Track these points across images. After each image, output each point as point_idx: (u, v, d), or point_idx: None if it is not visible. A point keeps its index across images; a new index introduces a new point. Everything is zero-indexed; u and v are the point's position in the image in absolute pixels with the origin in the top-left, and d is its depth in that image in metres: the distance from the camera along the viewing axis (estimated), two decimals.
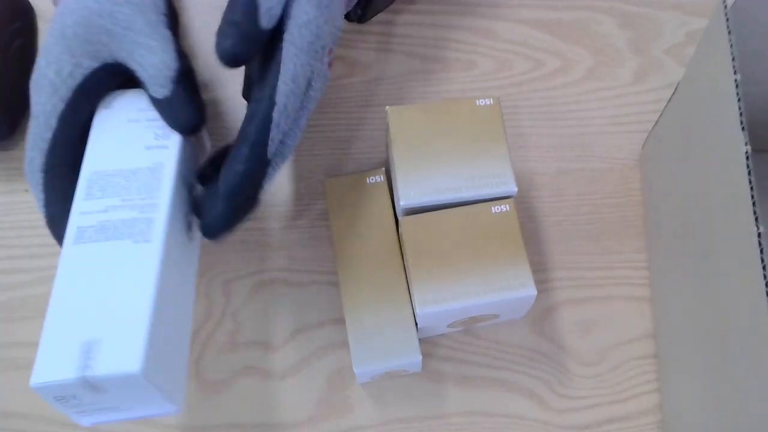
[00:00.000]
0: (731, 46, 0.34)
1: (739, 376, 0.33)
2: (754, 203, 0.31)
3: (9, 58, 0.48)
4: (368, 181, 0.45)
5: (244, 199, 0.38)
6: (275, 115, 0.36)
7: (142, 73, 0.38)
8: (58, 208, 0.38)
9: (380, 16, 0.54)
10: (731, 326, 0.34)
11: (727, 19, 0.34)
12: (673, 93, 0.43)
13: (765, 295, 0.29)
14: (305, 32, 0.37)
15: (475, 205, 0.41)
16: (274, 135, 0.36)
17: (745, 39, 0.35)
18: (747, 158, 0.31)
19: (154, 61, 0.38)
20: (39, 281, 0.47)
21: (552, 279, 0.47)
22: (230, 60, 0.36)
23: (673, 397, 0.42)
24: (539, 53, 0.53)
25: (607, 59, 0.53)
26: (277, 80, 0.36)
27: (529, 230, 0.48)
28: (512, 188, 0.41)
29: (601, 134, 0.51)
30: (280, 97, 0.36)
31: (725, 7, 0.35)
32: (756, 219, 0.31)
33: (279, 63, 0.36)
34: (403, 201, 0.41)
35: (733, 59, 0.33)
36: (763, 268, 0.30)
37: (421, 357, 0.40)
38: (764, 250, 0.30)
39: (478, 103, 0.43)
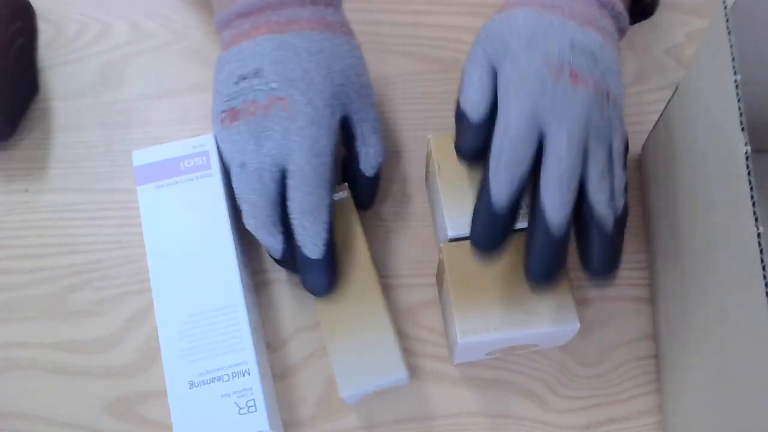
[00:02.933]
0: (731, 46, 0.34)
1: (739, 376, 0.33)
2: (754, 203, 0.31)
3: (9, 58, 0.48)
4: (333, 198, 0.43)
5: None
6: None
7: (360, 145, 0.43)
8: (334, 246, 0.41)
9: (379, 16, 0.54)
10: (731, 326, 0.34)
11: (727, 19, 0.34)
12: (673, 93, 0.43)
13: (765, 295, 0.29)
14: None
15: (519, 233, 0.40)
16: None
17: (745, 39, 0.35)
18: (747, 158, 0.31)
19: (373, 142, 0.43)
20: (39, 281, 0.47)
21: None
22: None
23: (673, 397, 0.42)
24: None
25: None
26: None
27: None
28: None
29: None
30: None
31: (725, 7, 0.35)
32: (756, 219, 0.31)
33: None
34: (451, 232, 0.41)
35: (733, 59, 0.33)
36: (763, 268, 0.30)
37: (407, 373, 0.40)
38: (764, 250, 0.30)
39: None
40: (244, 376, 0.40)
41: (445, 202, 0.41)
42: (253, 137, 0.40)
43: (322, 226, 0.40)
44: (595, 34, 0.39)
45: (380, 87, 0.52)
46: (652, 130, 0.48)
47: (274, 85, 0.40)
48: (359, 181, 0.44)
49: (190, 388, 0.40)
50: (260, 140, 0.40)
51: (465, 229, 0.41)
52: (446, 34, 0.53)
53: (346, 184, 0.44)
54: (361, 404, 0.44)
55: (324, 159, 0.40)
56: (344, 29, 0.43)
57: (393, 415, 0.44)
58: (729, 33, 0.34)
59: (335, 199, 0.43)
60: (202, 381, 0.40)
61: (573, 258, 0.48)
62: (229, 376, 0.40)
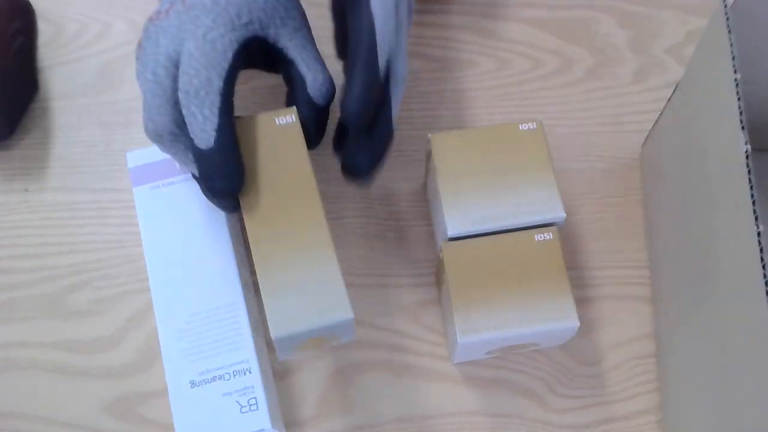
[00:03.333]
0: (731, 45, 0.34)
1: (739, 375, 0.33)
2: (754, 203, 0.31)
3: (9, 58, 0.48)
4: (277, 123, 0.39)
5: (372, 125, 0.39)
6: (377, 37, 0.38)
7: (305, 71, 0.40)
8: (230, 134, 0.37)
9: None
10: (731, 326, 0.34)
11: (727, 19, 0.34)
12: (673, 92, 0.43)
13: (765, 294, 0.29)
14: None
15: (518, 232, 0.41)
16: (381, 53, 0.38)
17: (745, 39, 0.35)
18: (747, 157, 0.31)
19: (320, 69, 0.40)
20: (39, 281, 0.47)
21: None
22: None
23: (673, 397, 0.42)
24: (539, 53, 0.53)
25: (607, 59, 0.53)
26: (370, 7, 0.38)
27: None
28: (560, 214, 0.41)
29: (601, 134, 0.51)
30: (377, 19, 0.37)
31: (725, 6, 0.35)
32: (756, 219, 0.31)
33: None
34: (451, 231, 0.41)
35: (733, 59, 0.33)
36: (763, 267, 0.30)
37: (352, 314, 0.35)
38: (764, 250, 0.30)
39: (521, 128, 0.43)
40: (245, 374, 0.40)
41: (445, 202, 0.41)
42: (152, 42, 0.38)
43: (211, 109, 0.36)
44: None
45: None
46: (651, 130, 0.48)
47: None
48: (307, 112, 0.40)
49: (191, 388, 0.40)
50: (158, 41, 0.38)
51: (465, 229, 0.41)
52: (446, 34, 0.53)
53: (294, 108, 0.40)
54: (360, 403, 0.44)
55: (218, 47, 0.37)
56: None
57: (393, 414, 0.44)
58: (729, 32, 0.34)
59: (280, 123, 0.40)
60: (203, 380, 0.40)
61: (573, 258, 0.48)
62: (230, 374, 0.40)
